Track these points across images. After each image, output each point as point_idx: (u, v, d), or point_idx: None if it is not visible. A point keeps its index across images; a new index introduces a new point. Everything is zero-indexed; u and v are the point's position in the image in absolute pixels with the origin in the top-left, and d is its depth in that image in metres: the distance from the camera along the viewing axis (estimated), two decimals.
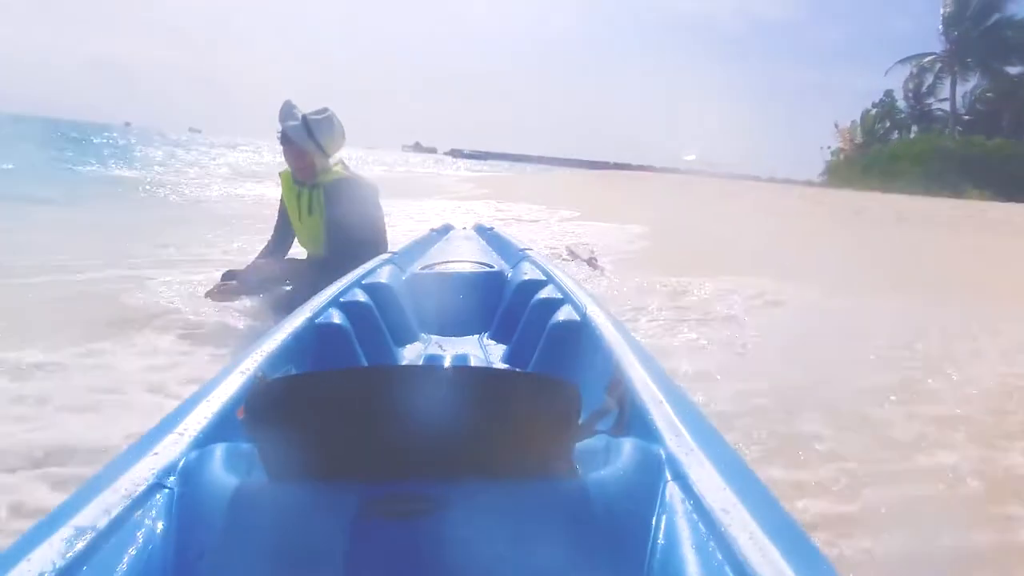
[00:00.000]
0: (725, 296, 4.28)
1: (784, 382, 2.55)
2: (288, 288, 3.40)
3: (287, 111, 3.47)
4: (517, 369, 1.90)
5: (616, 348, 1.53)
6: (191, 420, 1.07)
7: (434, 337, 2.35)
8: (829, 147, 51.47)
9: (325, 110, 3.52)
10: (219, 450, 0.99)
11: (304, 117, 3.45)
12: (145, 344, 2.76)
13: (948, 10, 40.88)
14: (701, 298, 4.22)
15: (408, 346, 2.24)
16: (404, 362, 2.07)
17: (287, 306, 3.06)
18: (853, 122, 49.71)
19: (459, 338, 2.36)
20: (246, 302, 3.35)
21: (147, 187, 12.51)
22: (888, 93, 47.29)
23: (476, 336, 2.39)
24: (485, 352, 2.22)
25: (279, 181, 3.69)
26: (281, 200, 3.70)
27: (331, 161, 3.50)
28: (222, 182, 15.49)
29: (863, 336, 3.42)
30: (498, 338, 2.33)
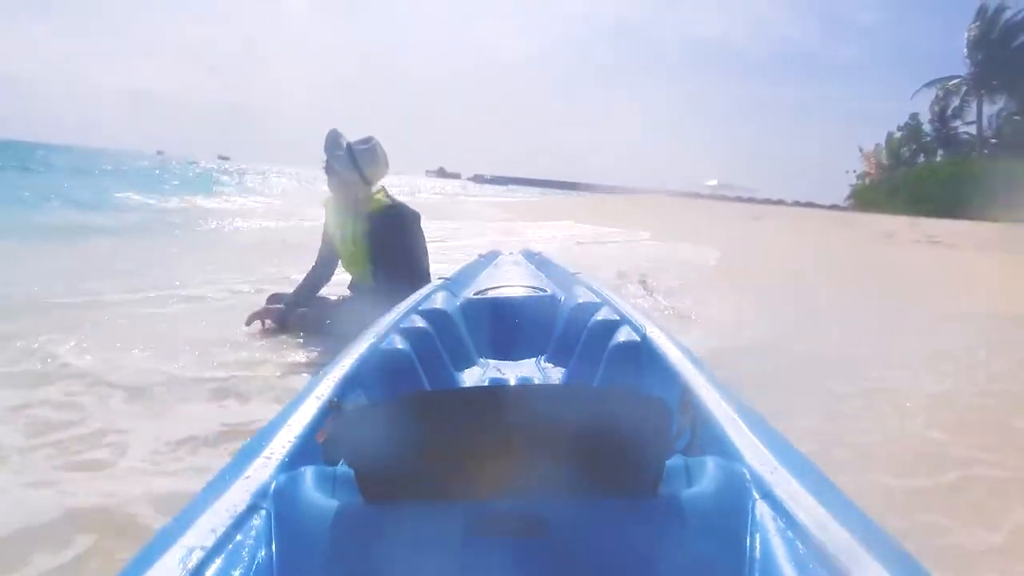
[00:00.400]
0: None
1: None
2: (328, 322, 3.43)
3: (333, 140, 3.56)
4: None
5: (681, 368, 1.55)
6: (276, 444, 1.11)
7: (491, 361, 2.38)
8: (854, 171, 51.17)
9: (369, 139, 3.60)
10: (309, 472, 1.02)
11: (349, 146, 3.53)
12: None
13: (973, 33, 40.76)
14: None
15: (467, 370, 2.27)
16: (466, 385, 2.12)
17: (333, 333, 3.17)
18: (878, 145, 49.45)
19: (516, 362, 2.38)
20: (284, 337, 3.43)
21: (185, 214, 12.79)
22: (913, 116, 47.06)
23: (533, 359, 2.40)
24: (544, 375, 2.25)
25: (323, 207, 3.77)
26: (324, 225, 3.79)
27: (373, 189, 3.59)
28: (263, 208, 15.89)
29: None
30: (555, 361, 2.33)
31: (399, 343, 1.95)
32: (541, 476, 0.93)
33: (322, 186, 3.74)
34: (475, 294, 2.70)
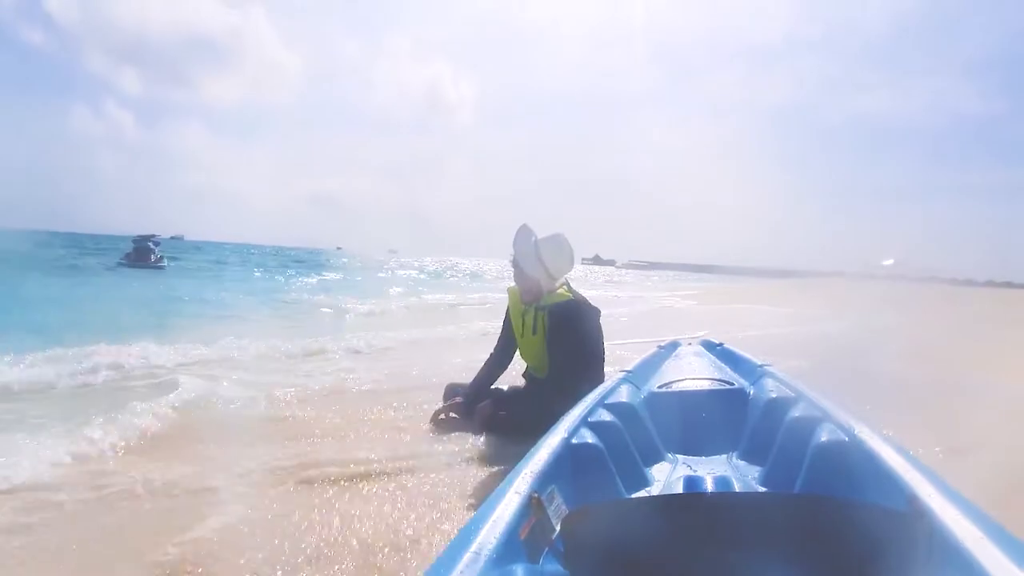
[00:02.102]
0: None
1: None
2: (503, 414, 3.49)
3: (523, 235, 3.67)
4: (835, 496, 1.75)
5: (903, 472, 1.42)
6: (482, 540, 1.13)
7: (679, 456, 2.31)
8: None
9: (557, 235, 3.68)
10: (519, 572, 1.05)
11: (536, 241, 3.63)
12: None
13: None
14: None
15: (656, 465, 2.22)
16: (656, 483, 2.06)
17: (511, 426, 3.29)
18: None
19: (705, 458, 2.30)
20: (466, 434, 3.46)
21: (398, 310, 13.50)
22: None
23: (724, 456, 2.32)
24: (738, 474, 2.14)
25: (508, 295, 3.88)
26: (507, 313, 3.89)
27: (557, 283, 3.65)
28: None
29: None
30: (749, 459, 2.24)
31: (589, 438, 1.96)
32: None
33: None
34: (659, 387, 2.66)
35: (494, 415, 3.54)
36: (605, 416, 2.18)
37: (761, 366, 2.83)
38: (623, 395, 2.46)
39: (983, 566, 0.98)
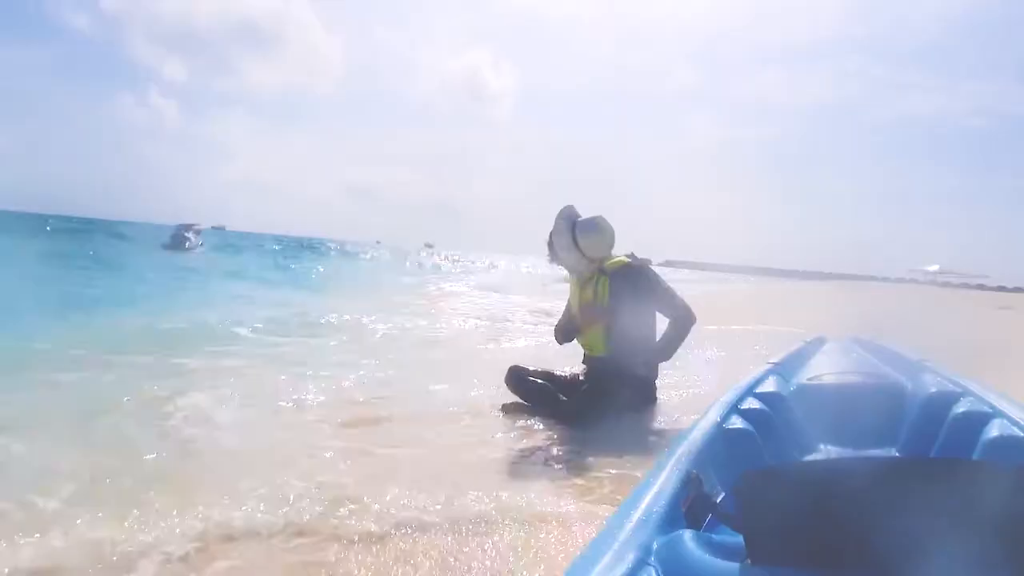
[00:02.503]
0: None
1: None
2: (564, 399, 3.53)
3: (563, 214, 3.64)
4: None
5: None
6: (647, 509, 1.22)
7: (833, 449, 2.28)
8: None
9: (595, 218, 3.65)
10: (686, 535, 1.10)
11: (575, 223, 3.60)
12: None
13: None
14: None
15: (808, 456, 2.18)
16: None
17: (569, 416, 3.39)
18: None
19: (861, 452, 2.23)
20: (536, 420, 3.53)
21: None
22: None
23: (881, 451, 2.24)
24: None
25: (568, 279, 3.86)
26: (569, 296, 3.88)
27: (597, 262, 3.60)
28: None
29: None
30: (909, 454, 2.18)
31: (740, 423, 1.99)
32: (957, 562, 0.88)
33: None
34: (808, 379, 2.60)
35: (522, 377, 3.64)
36: (755, 404, 2.19)
37: (920, 360, 2.71)
38: (771, 385, 2.44)
39: None
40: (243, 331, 6.69)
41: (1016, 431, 1.81)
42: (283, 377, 4.42)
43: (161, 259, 22.10)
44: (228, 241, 41.83)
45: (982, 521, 0.90)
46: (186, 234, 30.72)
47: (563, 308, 3.99)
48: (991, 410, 1.99)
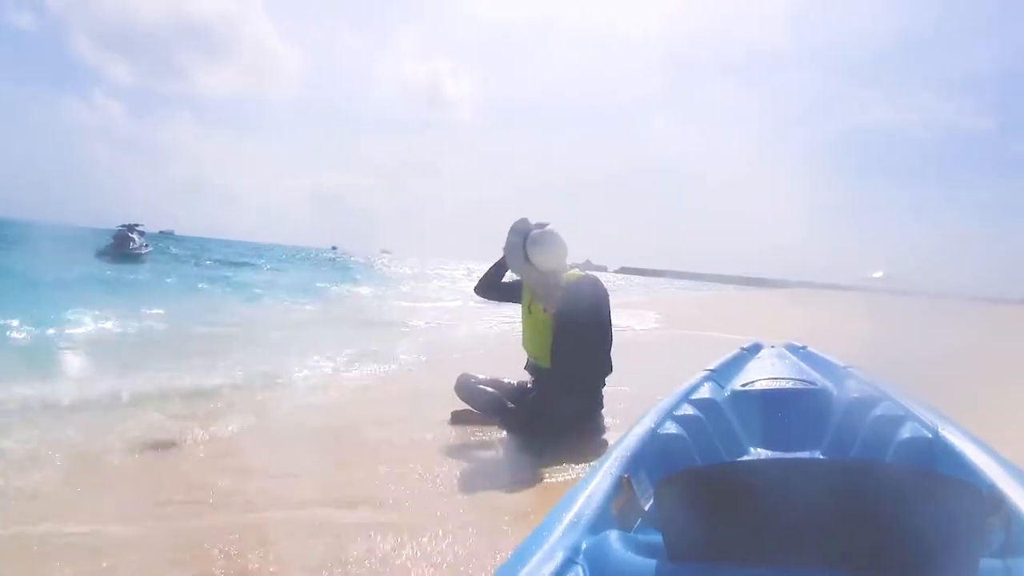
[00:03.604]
0: None
1: None
2: (511, 407, 3.55)
3: (517, 228, 3.64)
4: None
5: (986, 467, 1.50)
6: (579, 511, 1.27)
7: (763, 452, 2.35)
8: None
9: (545, 232, 3.57)
10: (613, 535, 1.16)
11: (527, 238, 3.55)
12: None
13: None
14: None
15: (739, 460, 2.24)
16: None
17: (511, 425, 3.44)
18: None
19: (789, 455, 2.31)
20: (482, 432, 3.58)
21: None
22: None
23: (807, 453, 2.32)
24: None
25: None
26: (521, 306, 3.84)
27: (552, 274, 3.56)
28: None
29: None
30: (832, 456, 2.27)
31: (674, 428, 2.07)
32: (836, 550, 0.96)
33: None
34: (742, 386, 2.69)
35: (471, 386, 3.67)
36: (689, 410, 2.27)
37: (845, 367, 2.84)
38: (706, 392, 2.52)
39: None
40: None
41: (925, 432, 1.93)
42: None
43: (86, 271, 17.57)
44: (169, 248, 38.59)
45: (877, 517, 0.96)
46: (130, 234, 27.35)
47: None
48: (904, 413, 2.12)
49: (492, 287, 3.95)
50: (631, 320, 11.75)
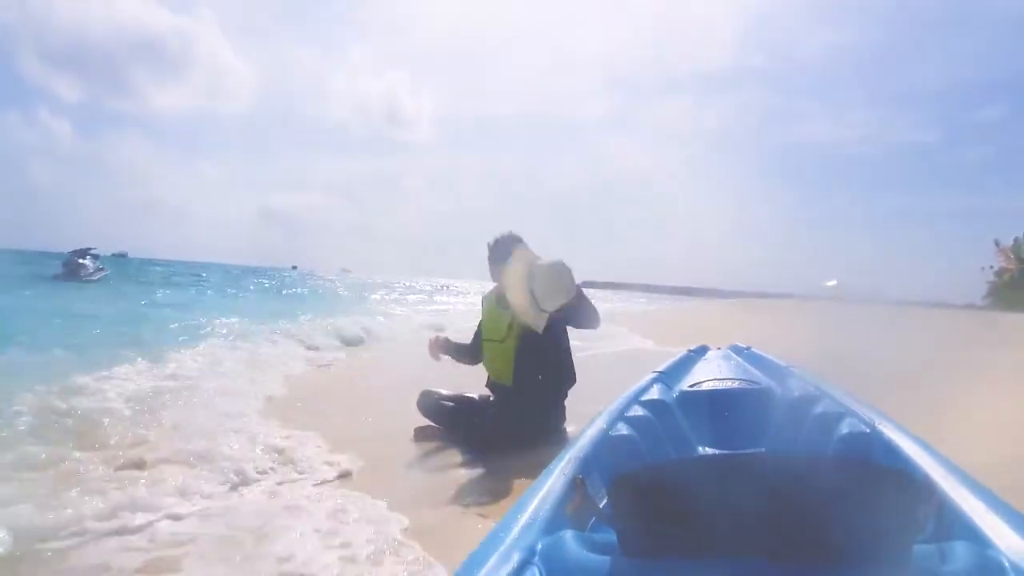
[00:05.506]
0: None
1: None
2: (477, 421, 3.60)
3: (497, 242, 3.70)
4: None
5: (918, 459, 1.57)
6: (533, 512, 1.28)
7: (710, 450, 2.40)
8: (991, 267, 48.02)
9: (557, 263, 3.38)
10: (568, 535, 1.18)
11: (534, 268, 3.39)
12: None
13: None
14: None
15: (688, 457, 2.25)
16: None
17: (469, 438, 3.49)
18: (1016, 239, 46.59)
19: (736, 452, 2.34)
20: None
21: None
22: None
23: (752, 449, 2.36)
24: None
25: (482, 302, 3.91)
26: (480, 320, 3.89)
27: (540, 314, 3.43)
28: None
29: None
30: (776, 451, 2.28)
31: (625, 430, 2.11)
32: (788, 541, 1.00)
33: None
34: (690, 386, 2.74)
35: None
36: (639, 411, 2.31)
37: (787, 367, 2.91)
38: (655, 393, 2.56)
39: (986, 533, 1.10)
40: None
41: (863, 428, 2.03)
42: None
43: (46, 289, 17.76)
44: (127, 270, 36.22)
45: (819, 507, 1.01)
46: (81, 260, 26.05)
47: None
48: (844, 410, 2.21)
49: (463, 358, 4.04)
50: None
